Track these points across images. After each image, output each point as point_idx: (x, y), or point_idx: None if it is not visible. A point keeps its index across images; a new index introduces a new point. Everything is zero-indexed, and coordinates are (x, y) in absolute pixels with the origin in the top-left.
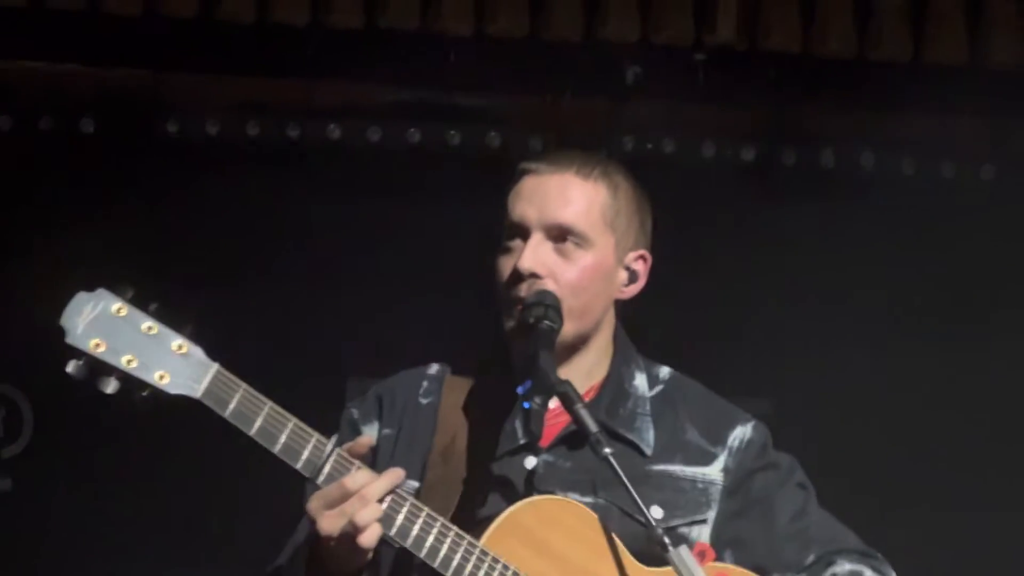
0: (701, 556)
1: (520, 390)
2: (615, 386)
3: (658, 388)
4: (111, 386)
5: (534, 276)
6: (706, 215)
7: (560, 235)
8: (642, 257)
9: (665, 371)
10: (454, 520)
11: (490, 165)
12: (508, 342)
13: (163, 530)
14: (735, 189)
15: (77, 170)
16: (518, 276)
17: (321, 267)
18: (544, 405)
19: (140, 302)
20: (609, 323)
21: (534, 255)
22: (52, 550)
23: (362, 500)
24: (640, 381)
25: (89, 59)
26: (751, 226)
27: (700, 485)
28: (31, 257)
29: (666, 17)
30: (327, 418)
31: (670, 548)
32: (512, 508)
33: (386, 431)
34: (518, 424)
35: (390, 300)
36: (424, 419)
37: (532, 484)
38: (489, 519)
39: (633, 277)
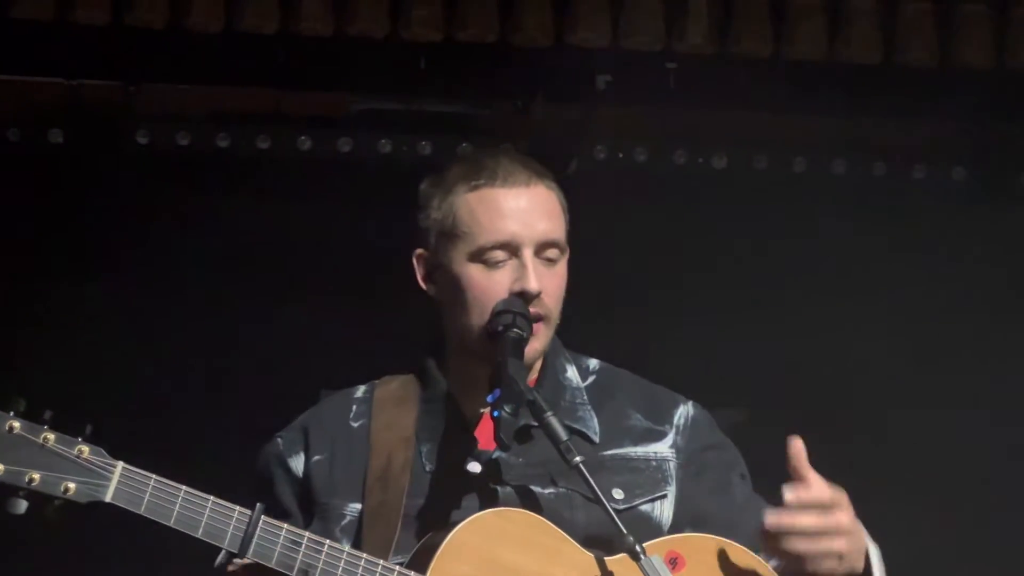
0: (673, 563)
1: (489, 399)
2: (552, 379)
3: (591, 379)
4: (20, 507)
5: (538, 295)
6: (678, 222)
7: (545, 249)
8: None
9: (594, 362)
10: (399, 545)
11: None
12: (465, 353)
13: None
14: (707, 195)
15: (46, 181)
16: (527, 297)
17: (294, 278)
18: (514, 413)
19: (34, 412)
20: None
21: (537, 274)
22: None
23: None
24: (572, 373)
25: (58, 70)
26: (723, 233)
27: (654, 463)
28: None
29: (636, 23)
30: None
31: (642, 556)
32: (454, 532)
33: (316, 457)
34: (465, 429)
35: (364, 311)
36: (358, 441)
37: (487, 486)
38: (436, 543)
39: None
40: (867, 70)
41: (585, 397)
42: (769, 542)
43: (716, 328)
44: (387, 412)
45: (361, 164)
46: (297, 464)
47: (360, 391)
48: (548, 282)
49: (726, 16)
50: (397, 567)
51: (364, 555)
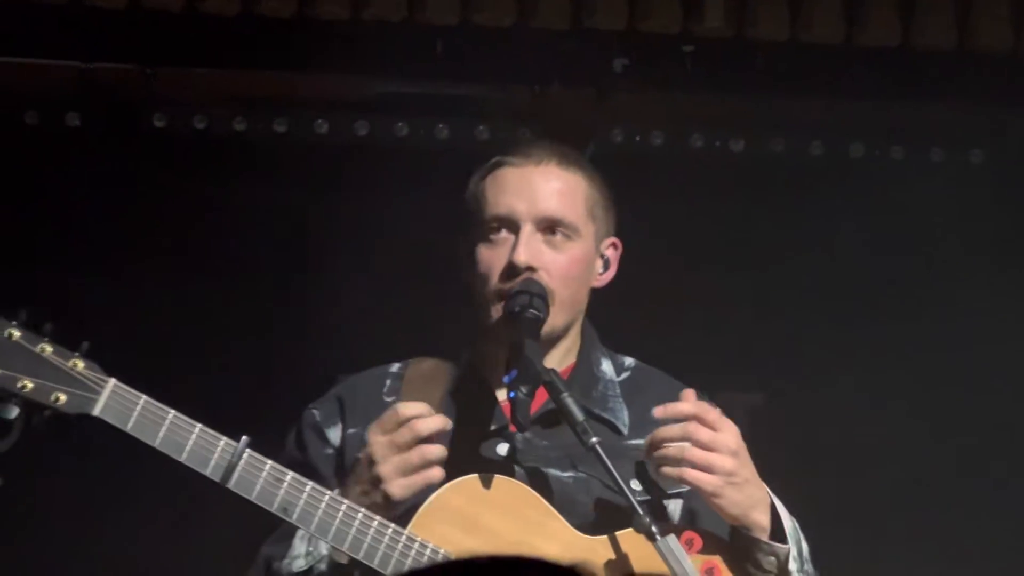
0: (689, 544)
1: (506, 379)
2: (586, 371)
3: (625, 374)
4: (12, 412)
5: (530, 269)
6: (696, 206)
7: (550, 227)
8: (613, 244)
9: (630, 360)
10: None
11: (477, 158)
12: (486, 334)
13: (157, 524)
14: (725, 180)
15: (63, 164)
16: (514, 270)
17: (311, 262)
18: (531, 394)
19: (34, 324)
20: (583, 311)
21: (528, 248)
22: (44, 547)
23: (411, 430)
24: (607, 367)
25: (75, 53)
26: (741, 217)
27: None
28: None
29: (653, 5)
30: None
31: (658, 537)
32: (438, 492)
33: (351, 430)
34: (495, 411)
35: (381, 295)
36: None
37: (510, 466)
38: (419, 502)
39: (607, 264)
40: (885, 52)
41: (618, 390)
42: (657, 466)
43: (731, 311)
44: (417, 389)
45: (378, 147)
46: (334, 435)
47: (395, 367)
48: (549, 259)
49: None
50: (378, 517)
51: (345, 501)
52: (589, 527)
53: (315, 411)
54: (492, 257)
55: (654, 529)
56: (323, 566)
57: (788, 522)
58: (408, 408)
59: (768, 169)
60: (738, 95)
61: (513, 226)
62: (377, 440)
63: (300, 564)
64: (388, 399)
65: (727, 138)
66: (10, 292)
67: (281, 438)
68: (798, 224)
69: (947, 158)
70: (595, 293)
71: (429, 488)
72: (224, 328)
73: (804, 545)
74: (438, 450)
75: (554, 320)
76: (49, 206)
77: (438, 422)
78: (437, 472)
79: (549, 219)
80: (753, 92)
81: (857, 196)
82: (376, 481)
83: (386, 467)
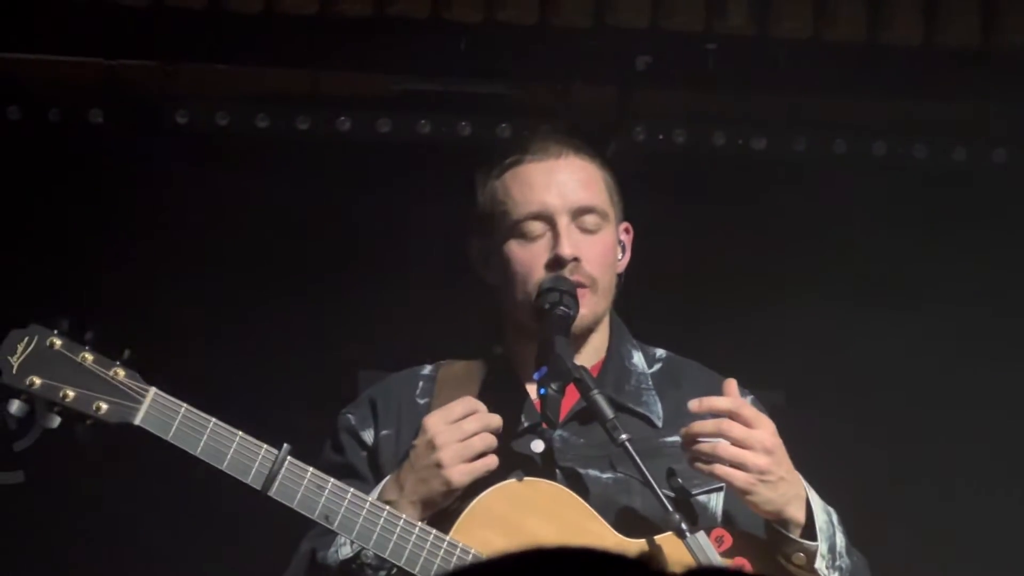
0: (719, 541)
1: (536, 376)
2: (617, 364)
3: (657, 366)
4: (54, 421)
5: (576, 260)
6: (718, 204)
7: (583, 216)
8: (627, 229)
9: (660, 351)
10: None
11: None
12: (521, 331)
13: (176, 522)
14: (747, 178)
15: (86, 161)
16: (560, 262)
17: (333, 259)
18: (561, 391)
19: (76, 332)
20: (612, 301)
21: (570, 240)
22: (64, 543)
23: (479, 421)
24: (638, 359)
25: (98, 50)
26: (762, 215)
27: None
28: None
29: (677, 3)
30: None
31: (687, 534)
32: (480, 496)
33: (384, 432)
34: (527, 408)
35: (404, 293)
36: (422, 419)
37: (548, 465)
38: (461, 507)
39: (623, 248)
40: (908, 51)
41: (650, 383)
42: (691, 459)
43: (753, 309)
44: (449, 390)
45: (400, 145)
46: (368, 436)
47: (427, 368)
48: (587, 249)
49: None
50: (419, 523)
51: (387, 507)
52: (630, 529)
53: (349, 415)
54: (529, 254)
55: (684, 526)
56: (370, 552)
57: (822, 515)
58: (475, 401)
59: (790, 167)
60: (761, 93)
61: (549, 220)
62: (440, 428)
63: (346, 552)
64: (421, 401)
65: (749, 136)
66: (34, 288)
67: (316, 437)
68: (820, 222)
69: (969, 156)
70: (619, 290)
71: (470, 494)
72: (243, 324)
73: (839, 539)
74: (494, 441)
75: (595, 308)
76: (72, 202)
77: (498, 419)
78: (494, 460)
79: (582, 208)
80: (776, 90)
81: (879, 194)
82: (437, 465)
83: (447, 453)
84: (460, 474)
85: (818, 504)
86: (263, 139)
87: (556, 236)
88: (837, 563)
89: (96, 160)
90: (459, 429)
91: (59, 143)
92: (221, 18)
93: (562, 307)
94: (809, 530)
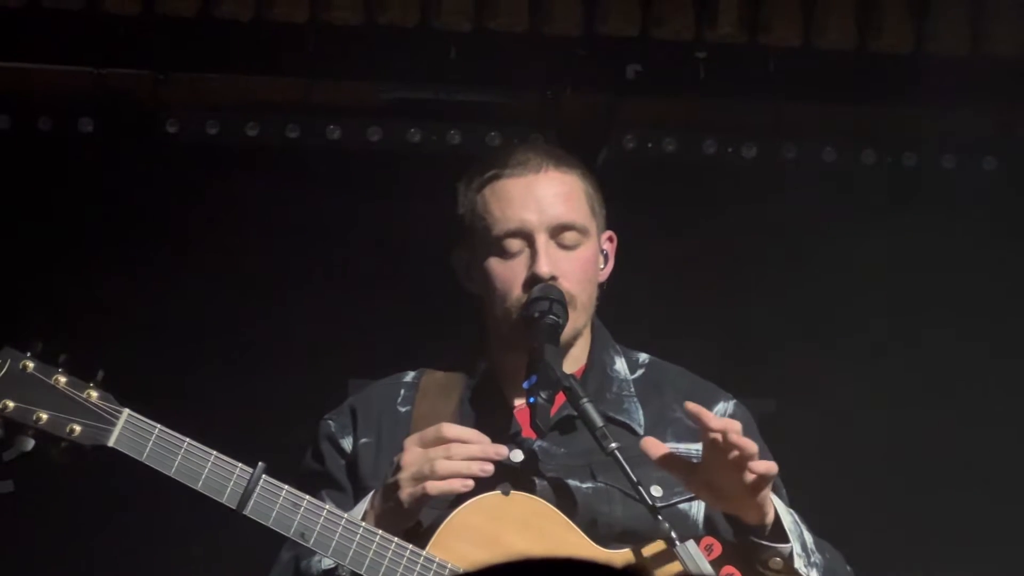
0: (708, 549)
1: (525, 385)
2: (598, 371)
3: (640, 372)
4: (28, 444)
5: (552, 278)
6: (709, 213)
7: (562, 233)
8: (610, 238)
9: (644, 356)
10: None
11: None
12: (503, 344)
13: (168, 531)
14: (737, 185)
15: (76, 170)
16: (536, 281)
17: (322, 267)
18: (550, 400)
19: (49, 355)
20: (593, 310)
21: (548, 258)
22: (53, 552)
23: (446, 450)
24: (620, 365)
25: (88, 59)
26: (754, 223)
27: (694, 460)
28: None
29: (667, 11)
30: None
31: (677, 542)
32: (457, 510)
33: (364, 440)
34: (507, 418)
35: (392, 301)
36: (403, 427)
37: (528, 475)
38: (438, 521)
39: (606, 258)
40: (898, 59)
41: (632, 389)
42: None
43: (743, 317)
44: (430, 399)
45: (390, 153)
46: (347, 444)
47: (409, 376)
48: (566, 266)
49: (757, 5)
50: (396, 538)
51: (363, 523)
52: (612, 540)
53: (330, 422)
54: (508, 271)
55: (673, 535)
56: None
57: (787, 517)
58: (452, 429)
59: (780, 175)
60: (751, 101)
61: (527, 238)
62: (412, 449)
63: (328, 562)
64: (402, 409)
65: (740, 144)
66: (22, 297)
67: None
68: (812, 230)
69: (960, 164)
70: (606, 298)
71: (448, 508)
72: (233, 333)
73: (807, 536)
74: (463, 467)
75: (575, 323)
76: (62, 211)
77: (475, 449)
78: (458, 483)
79: (561, 225)
80: (766, 98)
81: (869, 201)
82: (394, 487)
83: (405, 474)
84: (409, 496)
85: (782, 507)
86: (253, 147)
87: (534, 254)
88: (812, 560)
89: (86, 169)
90: (424, 454)
91: (49, 152)
92: (211, 27)
93: (551, 316)
94: (778, 533)
